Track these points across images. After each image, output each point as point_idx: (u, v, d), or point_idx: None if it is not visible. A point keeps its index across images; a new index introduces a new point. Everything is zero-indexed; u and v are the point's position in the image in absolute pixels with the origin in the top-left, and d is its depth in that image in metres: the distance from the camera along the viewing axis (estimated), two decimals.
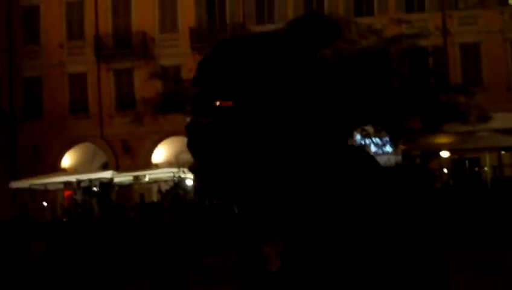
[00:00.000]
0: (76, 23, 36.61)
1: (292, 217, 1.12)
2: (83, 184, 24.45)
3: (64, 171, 33.27)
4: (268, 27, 34.67)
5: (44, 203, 31.22)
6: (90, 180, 24.03)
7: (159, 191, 23.40)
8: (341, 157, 1.15)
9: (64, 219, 22.42)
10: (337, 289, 1.05)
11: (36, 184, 28.07)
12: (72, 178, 26.68)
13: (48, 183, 28.17)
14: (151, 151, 35.29)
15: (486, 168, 28.03)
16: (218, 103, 1.13)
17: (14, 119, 36.40)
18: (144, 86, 30.43)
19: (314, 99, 1.14)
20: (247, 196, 1.15)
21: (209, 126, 1.13)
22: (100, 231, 17.71)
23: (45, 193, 29.98)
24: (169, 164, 31.02)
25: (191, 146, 1.15)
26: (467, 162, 32.22)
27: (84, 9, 36.59)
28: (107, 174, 26.56)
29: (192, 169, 1.16)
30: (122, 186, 26.50)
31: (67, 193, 30.31)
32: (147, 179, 28.48)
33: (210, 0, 35.75)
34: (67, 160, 36.17)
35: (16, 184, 29.51)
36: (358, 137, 23.91)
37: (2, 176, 33.89)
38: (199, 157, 1.15)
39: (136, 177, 28.23)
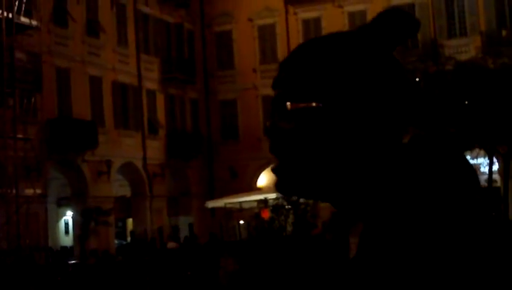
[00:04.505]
0: (268, 47, 37.55)
1: (367, 210, 1.14)
2: (272, 202, 24.93)
3: (260, 190, 34.08)
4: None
5: (241, 222, 32.16)
6: (278, 198, 24.44)
7: None
8: (423, 157, 1.13)
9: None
10: (398, 281, 1.04)
11: (230, 203, 29.01)
12: (261, 196, 27.29)
13: (242, 202, 29.00)
14: None
15: None
16: (289, 106, 1.15)
17: (211, 141, 37.98)
18: None
19: (392, 97, 1.15)
20: (325, 192, 1.17)
21: (286, 131, 1.15)
22: (287, 247, 17.88)
23: (240, 211, 30.89)
24: None
25: (271, 148, 1.18)
26: None
27: (276, 32, 37.46)
28: None
29: (272, 169, 1.18)
30: (309, 204, 26.62)
31: (265, 211, 31.03)
32: None
33: None
34: (263, 179, 37.04)
35: (211, 203, 30.70)
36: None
37: (201, 197, 35.46)
38: (279, 157, 1.17)
39: None
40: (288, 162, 1.16)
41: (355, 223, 1.18)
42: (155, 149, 34.37)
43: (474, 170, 1.14)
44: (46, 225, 27.76)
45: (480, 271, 1.02)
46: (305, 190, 1.18)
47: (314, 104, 1.14)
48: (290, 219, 26.11)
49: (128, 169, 33.19)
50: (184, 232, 31.37)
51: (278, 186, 1.19)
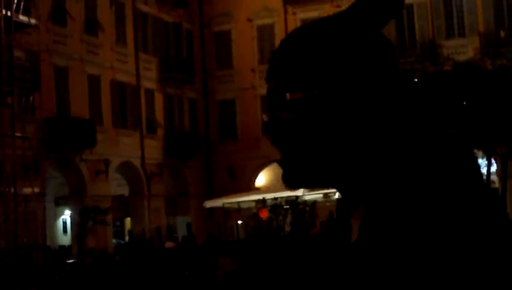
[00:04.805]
0: (267, 47, 37.50)
1: (368, 193, 1.14)
2: (270, 202, 24.93)
3: (258, 190, 34.07)
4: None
5: (239, 222, 32.15)
6: (276, 198, 24.45)
7: None
8: (419, 143, 1.14)
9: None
10: (398, 262, 1.05)
11: (228, 203, 29.00)
12: (260, 196, 27.28)
13: (240, 202, 29.00)
14: None
15: None
16: (288, 96, 1.15)
17: (209, 142, 37.97)
18: None
19: (384, 80, 1.15)
20: (329, 178, 1.18)
21: (285, 121, 1.16)
22: (286, 247, 17.87)
23: (238, 211, 30.87)
24: None
25: (273, 140, 1.18)
26: None
27: (275, 32, 37.44)
28: (298, 192, 26.84)
29: (277, 161, 1.20)
30: (308, 204, 26.66)
31: (263, 211, 31.02)
32: (336, 196, 28.47)
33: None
34: (261, 179, 37.05)
35: (209, 203, 30.69)
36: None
37: (199, 197, 35.44)
38: (282, 149, 1.18)
39: (326, 195, 28.29)
40: (292, 152, 1.17)
41: (357, 206, 1.18)
42: (153, 148, 34.35)
43: (476, 159, 1.15)
44: (44, 224, 27.73)
45: (477, 252, 1.03)
46: (311, 178, 1.18)
47: (310, 93, 1.15)
48: (288, 219, 26.11)
49: (126, 168, 33.17)
50: (182, 232, 31.37)
51: (284, 178, 1.19)
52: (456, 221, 1.04)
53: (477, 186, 1.10)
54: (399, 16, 1.20)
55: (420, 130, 1.15)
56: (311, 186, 1.21)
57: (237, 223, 32.27)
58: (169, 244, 24.49)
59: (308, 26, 1.20)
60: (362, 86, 1.14)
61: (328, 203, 29.23)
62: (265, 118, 1.20)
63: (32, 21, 26.42)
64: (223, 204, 30.15)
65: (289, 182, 1.19)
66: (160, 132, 35.27)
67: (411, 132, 1.15)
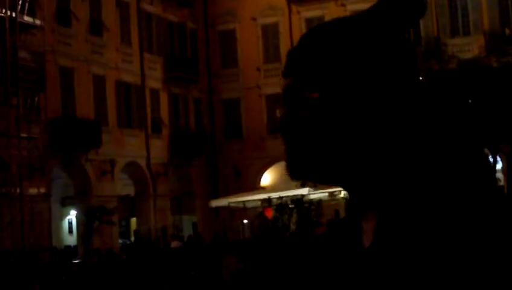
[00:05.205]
0: (272, 46, 37.51)
1: (382, 195, 1.13)
2: (275, 201, 24.94)
3: (263, 190, 34.07)
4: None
5: (245, 221, 32.15)
6: (281, 197, 24.45)
7: None
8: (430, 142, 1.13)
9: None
10: (418, 266, 1.04)
11: (234, 202, 29.01)
12: (265, 195, 27.28)
13: (246, 201, 29.00)
14: None
15: None
16: (306, 94, 1.15)
17: (215, 140, 37.99)
18: None
19: (401, 82, 1.14)
20: (336, 176, 1.17)
21: (301, 118, 1.15)
22: (291, 246, 17.86)
23: (243, 210, 30.88)
24: None
25: (284, 135, 1.17)
26: None
27: (279, 31, 37.43)
28: (303, 191, 26.84)
29: (285, 151, 1.18)
30: (313, 203, 26.64)
31: (268, 210, 31.02)
32: (342, 195, 28.44)
33: None
34: (267, 178, 37.05)
35: (215, 203, 30.70)
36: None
37: (205, 196, 35.46)
38: (292, 142, 1.17)
39: (331, 193, 28.28)
40: (302, 146, 1.16)
41: (368, 209, 1.16)
42: (158, 148, 34.38)
43: (489, 161, 1.15)
44: (50, 224, 27.77)
45: (496, 257, 1.02)
46: (316, 171, 1.17)
47: (328, 92, 1.14)
48: (294, 218, 26.12)
49: (132, 168, 33.20)
50: (188, 232, 31.40)
51: (288, 168, 1.18)
52: (473, 225, 1.03)
53: (491, 190, 1.09)
54: (420, 18, 1.20)
55: (434, 134, 1.14)
56: (315, 180, 1.19)
57: (243, 223, 32.27)
58: (175, 243, 24.52)
59: (329, 24, 1.19)
60: (380, 89, 1.13)
61: (333, 202, 29.19)
62: (279, 113, 1.19)
63: (37, 22, 26.46)
64: (229, 203, 30.17)
65: (293, 172, 1.17)
66: (165, 131, 35.29)
67: (426, 135, 1.14)
